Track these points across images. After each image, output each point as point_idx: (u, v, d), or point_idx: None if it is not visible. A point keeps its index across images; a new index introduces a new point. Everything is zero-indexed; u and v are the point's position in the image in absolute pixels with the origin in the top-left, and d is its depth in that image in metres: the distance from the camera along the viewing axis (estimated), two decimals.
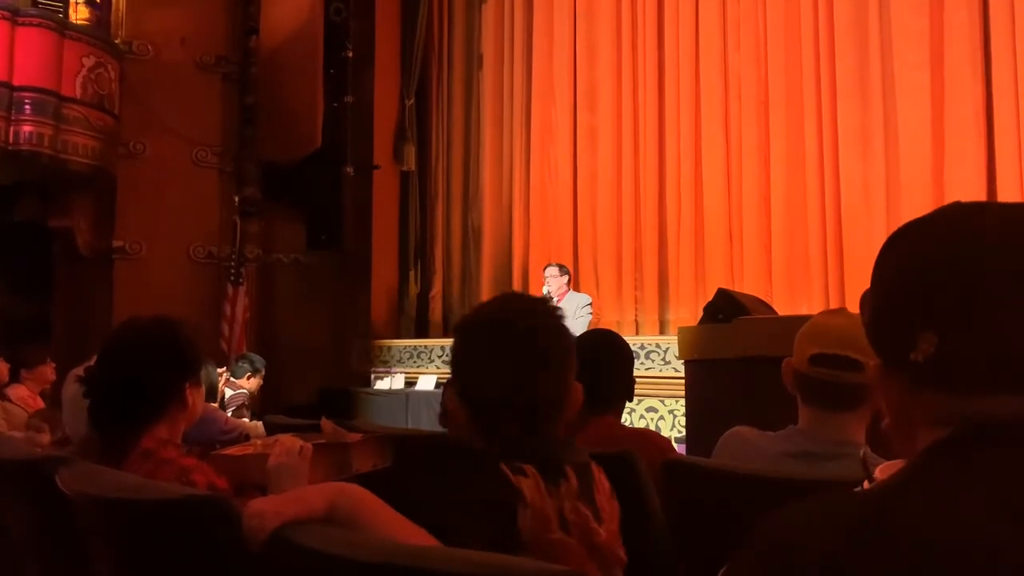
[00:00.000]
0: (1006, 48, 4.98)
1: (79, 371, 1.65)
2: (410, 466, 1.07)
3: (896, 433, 0.68)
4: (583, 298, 5.70)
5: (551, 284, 5.58)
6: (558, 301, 5.50)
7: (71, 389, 1.96)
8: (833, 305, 5.34)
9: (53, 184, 6.39)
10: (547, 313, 1.18)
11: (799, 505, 0.60)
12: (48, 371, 4.74)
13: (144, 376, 1.53)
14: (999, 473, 0.57)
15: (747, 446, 1.59)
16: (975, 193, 5.01)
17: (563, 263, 6.58)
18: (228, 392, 4.49)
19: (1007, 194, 4.95)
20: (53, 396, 4.29)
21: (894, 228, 0.69)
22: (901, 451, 0.68)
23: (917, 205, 5.15)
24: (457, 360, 1.18)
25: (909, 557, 0.53)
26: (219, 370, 4.60)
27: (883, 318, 0.67)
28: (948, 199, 4.38)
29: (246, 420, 4.17)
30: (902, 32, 5.35)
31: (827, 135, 5.66)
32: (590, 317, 5.59)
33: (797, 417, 1.55)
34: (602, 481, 1.17)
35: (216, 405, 3.69)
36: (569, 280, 5.74)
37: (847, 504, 0.60)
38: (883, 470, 0.82)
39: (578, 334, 5.52)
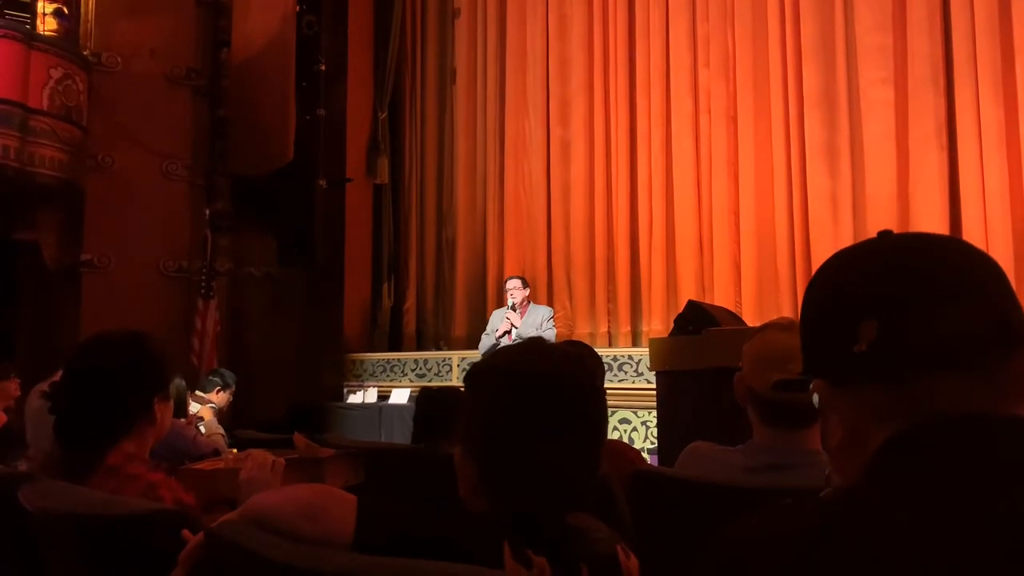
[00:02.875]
0: (967, 64, 5.11)
1: (44, 386, 1.62)
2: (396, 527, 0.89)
3: (846, 451, 0.68)
4: (548, 310, 5.74)
5: (516, 296, 5.59)
6: (522, 314, 5.54)
7: (35, 404, 1.93)
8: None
9: (19, 197, 6.28)
10: (587, 367, 1.01)
11: (753, 517, 0.60)
12: (12, 387, 4.63)
13: (112, 390, 1.51)
14: (951, 478, 0.56)
15: (707, 461, 1.60)
16: (938, 205, 5.14)
17: (536, 276, 6.62)
18: (195, 407, 4.42)
19: (968, 205, 5.07)
20: (17, 412, 4.20)
21: (861, 239, 0.72)
22: (849, 470, 0.67)
23: (882, 216, 5.26)
24: (488, 420, 0.96)
25: (862, 570, 0.52)
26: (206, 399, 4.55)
27: (823, 326, 0.69)
28: (913, 210, 4.44)
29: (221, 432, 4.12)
30: (866, 49, 5.47)
31: (794, 149, 5.76)
32: (555, 330, 5.63)
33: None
34: (630, 570, 0.97)
35: (184, 421, 3.64)
36: (529, 292, 5.77)
37: (800, 515, 0.59)
38: None
39: None
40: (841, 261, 0.70)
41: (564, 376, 0.97)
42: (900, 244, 0.68)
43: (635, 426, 5.70)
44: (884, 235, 0.70)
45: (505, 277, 6.26)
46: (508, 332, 5.51)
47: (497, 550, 0.85)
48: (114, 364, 1.54)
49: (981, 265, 0.65)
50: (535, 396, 0.95)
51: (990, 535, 0.52)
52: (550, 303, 6.71)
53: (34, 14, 6.33)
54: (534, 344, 1.05)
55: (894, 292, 0.64)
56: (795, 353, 1.41)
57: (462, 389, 1.04)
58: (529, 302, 5.70)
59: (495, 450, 0.95)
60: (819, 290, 0.70)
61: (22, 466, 2.34)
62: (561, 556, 0.88)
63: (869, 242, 0.70)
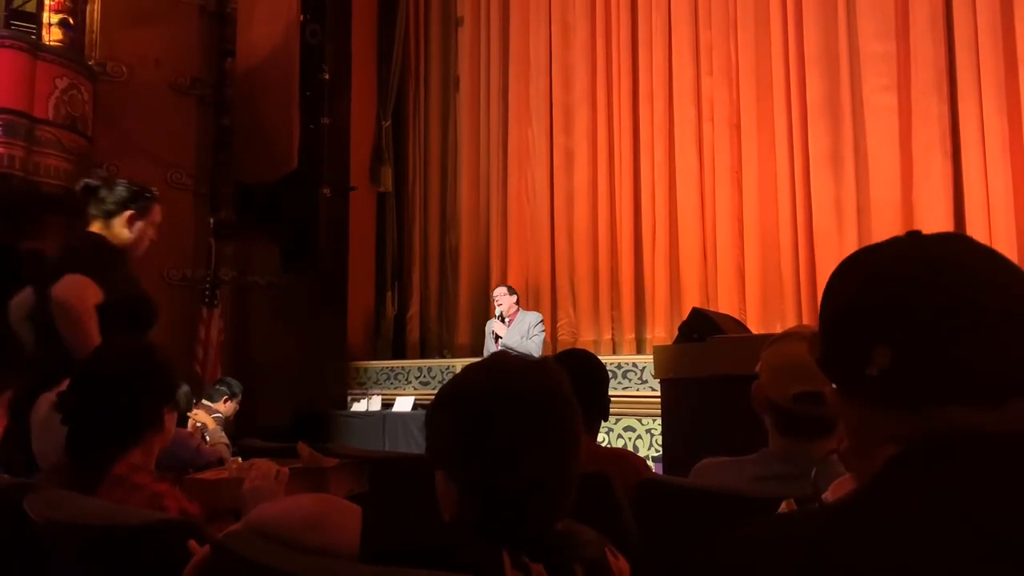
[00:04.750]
0: (970, 71, 5.11)
1: (51, 396, 1.62)
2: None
3: (853, 458, 0.67)
4: (535, 316, 5.75)
5: (503, 304, 5.63)
6: (510, 321, 5.56)
7: (42, 413, 1.93)
8: (806, 323, 5.40)
9: (24, 206, 6.31)
10: (560, 379, 1.01)
11: (753, 527, 0.59)
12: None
13: (122, 401, 1.51)
14: (958, 489, 0.56)
15: (720, 473, 1.59)
16: (942, 212, 5.12)
17: (540, 283, 6.64)
18: (203, 416, 4.42)
19: (973, 213, 5.06)
20: None
21: (864, 246, 0.70)
22: (858, 475, 0.67)
23: (887, 224, 5.25)
24: (461, 442, 0.97)
25: None
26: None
27: (838, 337, 0.67)
28: (917, 218, 4.42)
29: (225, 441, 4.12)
30: (869, 56, 5.47)
31: (798, 156, 5.75)
32: (543, 335, 5.64)
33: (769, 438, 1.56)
34: (621, 571, 1.01)
35: (189, 430, 3.64)
36: (518, 299, 5.80)
37: (801, 525, 0.59)
38: (837, 486, 0.82)
39: (536, 353, 5.44)
40: (864, 271, 0.66)
41: (529, 389, 0.97)
42: (926, 256, 0.63)
43: (639, 434, 5.68)
44: (913, 237, 0.65)
45: (520, 285, 6.27)
46: (496, 342, 5.54)
47: (497, 559, 0.88)
48: (125, 374, 1.54)
49: (1012, 285, 0.61)
50: (505, 412, 0.95)
51: (991, 549, 0.51)
52: (553, 311, 6.71)
53: (40, 24, 6.37)
54: (496, 361, 1.05)
55: (913, 319, 0.60)
56: (814, 365, 1.40)
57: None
58: (519, 309, 5.73)
59: (474, 471, 0.95)
60: (838, 299, 0.67)
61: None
62: (556, 561, 0.92)
63: (896, 248, 0.66)
